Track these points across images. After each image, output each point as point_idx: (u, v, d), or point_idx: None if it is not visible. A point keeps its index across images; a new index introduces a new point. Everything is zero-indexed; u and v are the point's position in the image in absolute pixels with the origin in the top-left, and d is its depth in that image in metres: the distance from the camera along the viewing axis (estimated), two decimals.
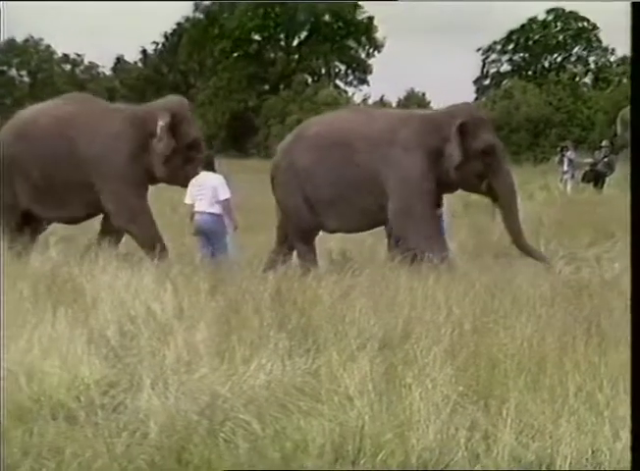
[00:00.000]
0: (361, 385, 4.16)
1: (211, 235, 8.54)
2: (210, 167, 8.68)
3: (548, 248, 9.18)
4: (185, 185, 8.86)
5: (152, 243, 8.55)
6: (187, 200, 8.64)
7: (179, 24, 46.73)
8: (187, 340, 4.93)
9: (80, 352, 4.76)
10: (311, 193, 8.84)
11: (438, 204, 8.75)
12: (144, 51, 48.36)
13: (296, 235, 8.93)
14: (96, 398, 4.32)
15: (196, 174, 8.73)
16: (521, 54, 47.93)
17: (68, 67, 51.16)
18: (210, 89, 42.03)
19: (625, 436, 3.83)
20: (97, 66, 50.78)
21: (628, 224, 8.62)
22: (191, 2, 44.72)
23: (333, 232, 9.17)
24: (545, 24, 47.15)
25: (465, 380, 4.30)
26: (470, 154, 8.45)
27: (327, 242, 9.37)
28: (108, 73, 50.75)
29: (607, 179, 19.19)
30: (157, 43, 48.17)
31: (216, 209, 8.53)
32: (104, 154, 8.85)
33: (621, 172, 20.37)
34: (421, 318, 5.31)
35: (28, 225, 9.19)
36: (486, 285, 6.32)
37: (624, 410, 3.97)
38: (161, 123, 8.83)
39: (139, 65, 48.88)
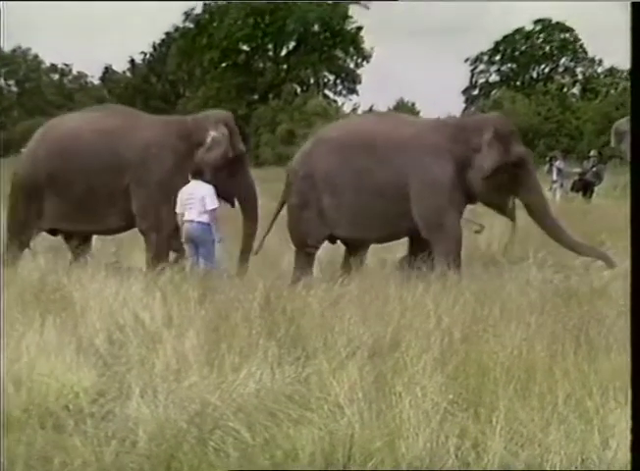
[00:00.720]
0: (351, 393, 4.16)
1: (200, 243, 8.55)
2: (199, 176, 8.67)
3: (537, 257, 9.18)
4: (227, 199, 9.01)
5: (163, 255, 8.65)
6: (178, 209, 8.64)
7: (167, 33, 46.80)
8: (177, 349, 4.92)
9: (69, 361, 4.74)
10: (329, 202, 8.64)
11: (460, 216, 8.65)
12: (132, 61, 48.37)
13: (300, 246, 8.80)
14: (85, 407, 4.30)
15: (240, 188, 8.84)
16: (509, 64, 48.18)
17: (56, 76, 51.09)
18: (199, 99, 41.99)
19: (615, 443, 3.84)
20: (85, 75, 50.77)
21: (617, 232, 8.63)
22: (181, 12, 44.88)
23: (347, 239, 8.96)
24: (530, 34, 47.48)
25: (455, 388, 4.30)
26: (500, 166, 8.36)
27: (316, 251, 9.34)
28: (96, 82, 50.74)
29: (595, 188, 19.27)
30: (145, 53, 48.21)
31: (205, 218, 8.54)
32: (146, 162, 8.82)
33: (610, 181, 20.48)
34: (411, 326, 5.31)
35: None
36: (475, 293, 6.32)
37: (614, 418, 3.98)
38: (213, 133, 8.85)
39: (128, 74, 48.84)
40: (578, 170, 19.35)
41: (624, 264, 9.20)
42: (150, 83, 47.32)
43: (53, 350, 4.82)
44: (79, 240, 9.01)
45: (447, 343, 4.94)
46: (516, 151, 8.43)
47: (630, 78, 3.38)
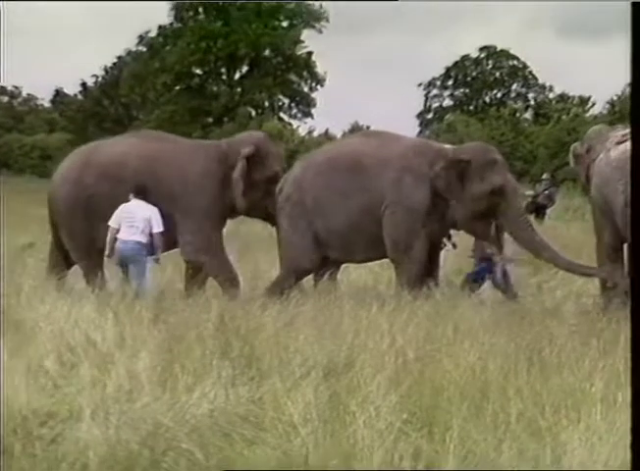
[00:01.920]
0: (305, 413, 4.14)
1: (133, 263, 8.49)
2: (142, 195, 8.61)
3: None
4: (264, 218, 9.06)
5: (226, 275, 8.68)
6: (113, 224, 8.53)
7: (119, 57, 46.68)
8: (129, 369, 4.85)
9: (17, 383, 4.65)
10: (320, 225, 8.65)
11: (439, 242, 8.64)
12: (84, 84, 48.09)
13: (291, 271, 8.72)
14: (34, 430, 4.22)
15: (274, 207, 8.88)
16: (462, 89, 48.85)
17: (5, 99, 50.58)
18: (153, 122, 41.78)
19: (567, 461, 3.86)
20: (36, 98, 50.33)
21: (569, 253, 8.71)
22: (134, 35, 44.78)
23: (340, 262, 8.99)
24: (477, 61, 48.27)
25: (409, 407, 4.30)
26: (473, 196, 8.38)
27: (271, 271, 9.32)
28: (47, 105, 50.31)
29: (547, 210, 19.50)
30: (97, 76, 48.00)
31: (142, 238, 8.49)
32: (189, 191, 8.84)
33: (562, 204, 20.74)
34: (365, 346, 5.31)
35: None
36: (429, 313, 6.35)
37: (566, 436, 4.00)
38: (243, 155, 8.88)
39: (79, 97, 48.51)
40: (531, 193, 19.55)
41: (576, 284, 9.35)
42: (103, 106, 47.04)
43: (1, 373, 4.72)
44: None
45: (401, 363, 4.94)
46: (494, 181, 8.41)
47: (630, 78, 3.41)
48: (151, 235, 8.51)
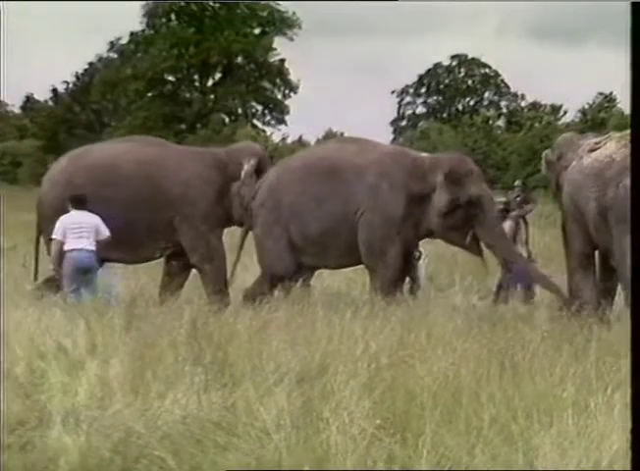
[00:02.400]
0: (278, 419, 4.13)
1: (91, 271, 8.43)
2: (82, 206, 8.54)
3: (463, 283, 9.29)
4: None
5: (221, 284, 8.70)
6: (59, 236, 8.42)
7: (91, 63, 46.46)
8: (100, 376, 4.82)
9: None
10: (296, 231, 8.62)
11: (412, 250, 8.63)
12: (55, 90, 47.78)
13: (266, 277, 8.70)
14: (3, 437, 4.17)
15: None
16: (435, 97, 49.12)
17: None
18: (126, 128, 41.58)
19: (540, 466, 3.87)
20: (6, 104, 49.89)
21: (542, 258, 8.73)
22: (106, 42, 44.51)
23: (315, 268, 8.98)
24: (450, 69, 48.61)
25: (382, 413, 4.30)
26: (456, 205, 8.40)
27: (243, 277, 9.30)
28: (17, 111, 49.89)
29: (527, 216, 19.60)
30: (68, 83, 47.72)
31: (94, 246, 8.44)
32: (189, 195, 8.83)
33: (534, 210, 20.83)
34: (338, 352, 5.30)
35: None
36: (402, 319, 6.35)
37: (538, 441, 4.01)
38: (246, 166, 8.88)
39: (50, 103, 48.19)
40: (503, 199, 19.68)
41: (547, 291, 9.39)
42: (74, 113, 46.75)
43: None
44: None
45: (374, 369, 4.94)
46: (471, 192, 8.44)
47: (630, 78, 3.42)
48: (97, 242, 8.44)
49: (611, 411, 4.22)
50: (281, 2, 42.18)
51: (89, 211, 8.48)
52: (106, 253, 8.62)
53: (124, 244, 8.67)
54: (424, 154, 9.21)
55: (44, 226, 8.91)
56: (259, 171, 8.96)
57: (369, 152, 8.78)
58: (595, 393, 4.47)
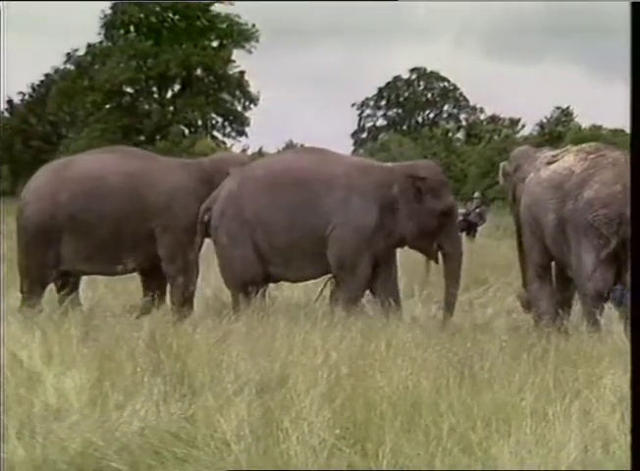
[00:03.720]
0: (238, 429, 4.10)
1: None
2: None
3: (422, 293, 9.33)
4: None
5: (190, 296, 8.67)
6: None
7: (47, 75, 46.10)
8: (57, 388, 4.76)
9: None
10: (262, 240, 8.50)
11: (385, 259, 8.57)
12: (10, 101, 47.31)
13: (237, 286, 8.54)
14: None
15: None
16: (395, 110, 49.46)
17: None
18: (83, 140, 41.30)
19: None
20: None
21: (500, 270, 8.80)
22: (64, 53, 44.21)
23: (278, 280, 8.88)
24: (409, 82, 49.02)
25: (342, 423, 4.29)
26: (427, 213, 8.39)
27: (203, 288, 9.26)
28: None
29: (478, 228, 19.78)
30: (24, 94, 47.30)
31: None
32: (171, 206, 8.76)
33: (492, 222, 21.06)
34: (298, 362, 5.28)
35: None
36: (362, 329, 6.35)
37: (497, 450, 4.03)
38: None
39: (5, 115, 47.70)
40: (462, 211, 19.84)
41: (506, 301, 9.48)
42: (30, 124, 46.32)
43: None
44: (69, 287, 8.82)
45: (334, 379, 4.93)
46: (445, 201, 8.47)
47: (631, 79, 3.44)
48: None
49: (568, 420, 4.26)
50: (240, 14, 42.24)
51: None
52: (85, 266, 8.66)
53: (107, 257, 8.67)
54: (389, 164, 9.22)
55: (25, 238, 8.82)
56: None
57: (335, 164, 8.75)
58: (553, 402, 4.50)
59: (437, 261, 8.66)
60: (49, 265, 8.67)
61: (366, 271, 8.44)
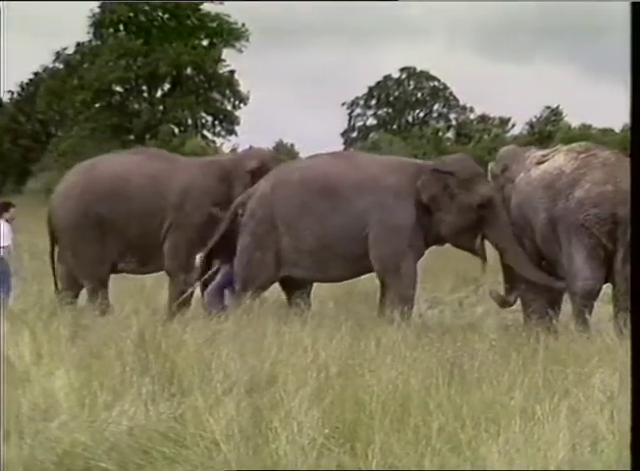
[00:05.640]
0: (227, 429, 4.09)
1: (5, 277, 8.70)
2: None
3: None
4: None
5: (188, 296, 8.72)
6: None
7: (36, 73, 45.94)
8: (46, 387, 4.74)
9: None
10: (288, 245, 8.55)
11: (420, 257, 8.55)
12: None
13: (247, 286, 8.52)
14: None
15: None
16: (385, 109, 49.47)
17: None
18: (73, 139, 41.24)
19: None
20: None
21: (487, 269, 8.80)
22: (52, 52, 44.06)
23: (305, 279, 8.82)
24: (399, 81, 49.04)
25: (332, 422, 4.28)
26: (464, 208, 8.33)
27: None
28: None
29: None
30: (13, 92, 47.11)
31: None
32: (184, 205, 8.93)
33: None
34: (288, 362, 5.28)
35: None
36: (352, 328, 6.35)
37: (485, 450, 4.03)
38: (247, 170, 9.01)
39: None
40: None
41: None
42: (19, 123, 46.14)
43: None
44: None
45: (323, 378, 4.92)
46: (481, 192, 8.36)
47: (630, 78, 3.44)
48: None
49: (557, 419, 4.26)
50: (230, 14, 42.16)
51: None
52: (131, 268, 8.98)
53: (137, 256, 8.94)
54: (418, 160, 9.18)
55: (57, 237, 9.14)
56: (261, 173, 8.94)
57: (367, 166, 8.75)
58: (542, 401, 4.51)
59: (484, 258, 8.52)
60: (103, 258, 8.95)
61: (411, 272, 8.37)
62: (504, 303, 8.39)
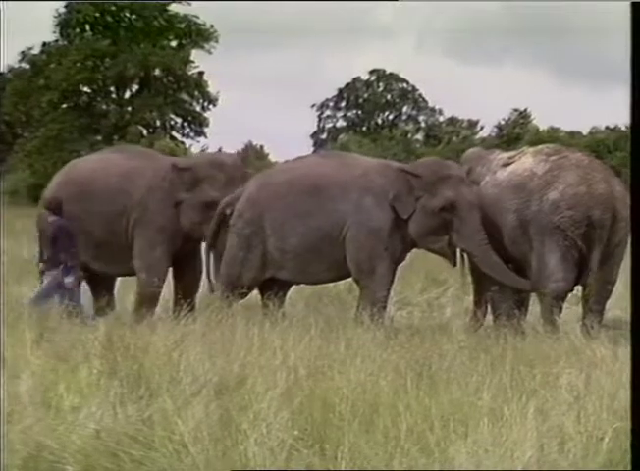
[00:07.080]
0: (196, 431, 4.07)
1: None
2: None
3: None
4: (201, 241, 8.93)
5: (151, 296, 8.68)
6: None
7: (1, 73, 45.52)
8: (10, 391, 4.68)
9: None
10: (274, 246, 8.50)
11: (399, 261, 8.53)
12: None
13: (229, 287, 8.50)
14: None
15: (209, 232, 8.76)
16: (354, 111, 49.56)
17: None
18: (39, 140, 40.94)
19: None
20: None
21: (457, 271, 8.84)
22: (17, 52, 43.68)
23: (290, 282, 8.81)
24: (368, 83, 49.19)
25: (301, 424, 4.28)
26: (427, 211, 8.24)
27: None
28: None
29: None
30: None
31: None
32: (146, 204, 8.84)
33: None
34: (257, 363, 5.27)
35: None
36: (321, 330, 6.34)
37: (454, 450, 4.04)
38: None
39: None
40: None
41: (464, 302, 9.53)
42: None
43: None
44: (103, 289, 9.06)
45: (292, 380, 4.91)
46: (445, 196, 8.24)
47: (631, 80, 3.45)
48: None
49: (524, 419, 4.28)
50: (198, 15, 42.02)
51: None
52: (105, 269, 8.94)
53: (107, 258, 8.90)
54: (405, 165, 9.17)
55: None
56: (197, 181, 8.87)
57: (353, 167, 8.69)
58: (510, 402, 4.53)
59: (454, 263, 8.43)
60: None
61: (387, 274, 8.33)
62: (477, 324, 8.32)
